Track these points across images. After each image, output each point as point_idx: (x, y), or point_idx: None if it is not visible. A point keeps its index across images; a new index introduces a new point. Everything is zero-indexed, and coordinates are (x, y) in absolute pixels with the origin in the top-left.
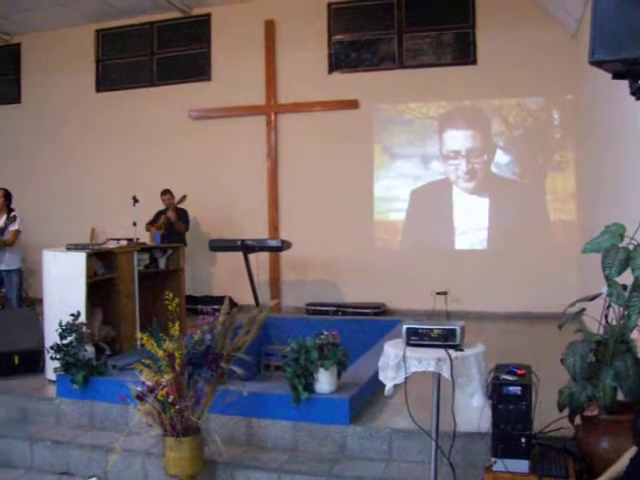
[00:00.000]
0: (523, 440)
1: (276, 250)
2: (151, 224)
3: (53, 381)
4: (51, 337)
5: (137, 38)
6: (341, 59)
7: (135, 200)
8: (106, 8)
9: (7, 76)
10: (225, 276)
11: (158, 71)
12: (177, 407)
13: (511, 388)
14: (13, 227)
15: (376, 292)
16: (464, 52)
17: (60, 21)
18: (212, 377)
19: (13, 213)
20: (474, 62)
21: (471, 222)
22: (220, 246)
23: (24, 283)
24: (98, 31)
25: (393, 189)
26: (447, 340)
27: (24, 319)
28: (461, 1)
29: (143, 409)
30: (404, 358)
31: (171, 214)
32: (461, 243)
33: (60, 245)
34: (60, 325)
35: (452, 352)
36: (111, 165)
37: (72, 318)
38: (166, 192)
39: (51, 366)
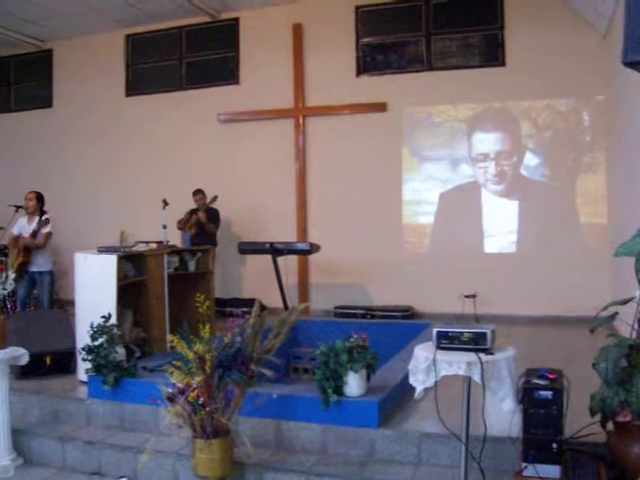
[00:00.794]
0: (554, 445)
1: (305, 253)
2: (183, 222)
3: (84, 382)
4: (82, 338)
5: (166, 43)
6: (369, 62)
7: (165, 203)
8: (136, 13)
9: (40, 81)
10: (254, 279)
11: (187, 75)
12: (207, 409)
13: (542, 392)
14: (45, 229)
15: (404, 295)
16: (493, 54)
17: (91, 27)
18: (242, 379)
19: (45, 216)
20: (503, 64)
21: (500, 225)
22: (249, 249)
23: (55, 285)
24: (128, 36)
25: (421, 192)
26: (478, 344)
27: (56, 320)
28: (489, 2)
29: (174, 411)
30: (434, 361)
31: (201, 215)
32: (490, 246)
33: (90, 247)
34: (91, 327)
35: (483, 356)
36: (140, 168)
37: (103, 320)
38: (198, 192)
39: (82, 367)
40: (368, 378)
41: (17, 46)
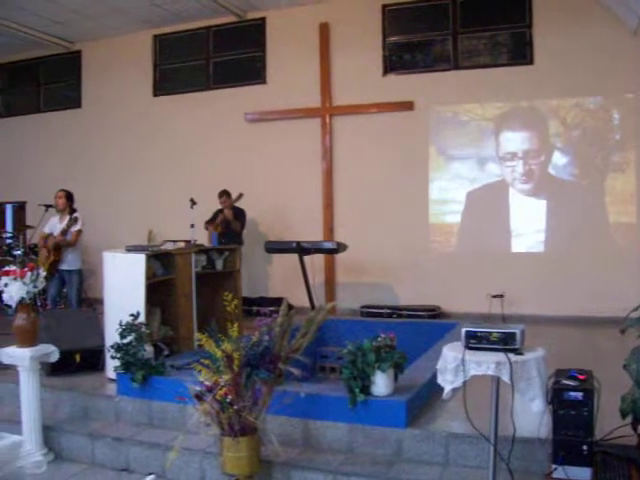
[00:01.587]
0: (585, 447)
1: (331, 252)
2: (209, 222)
3: (113, 379)
4: (111, 336)
5: (193, 43)
6: (396, 61)
7: (193, 202)
8: (163, 14)
9: (69, 82)
10: (280, 278)
11: (214, 75)
12: (235, 407)
13: (572, 393)
14: (75, 227)
15: (431, 295)
16: (520, 52)
17: (119, 28)
18: (270, 378)
19: (75, 214)
20: (531, 62)
21: (528, 224)
22: (276, 248)
23: (84, 283)
24: (156, 36)
25: (448, 191)
26: (507, 344)
27: (85, 319)
28: (517, 0)
29: (202, 409)
30: (463, 361)
31: (227, 212)
32: (518, 246)
33: (118, 246)
34: (120, 325)
35: (512, 356)
36: (168, 168)
37: (132, 318)
38: (223, 194)
39: (111, 365)
40: (396, 378)
41: (46, 47)
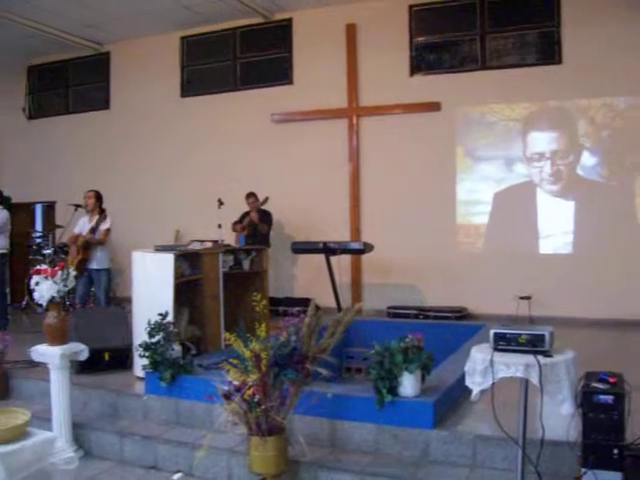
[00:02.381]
0: (615, 451)
1: (358, 253)
2: (237, 223)
3: (141, 378)
4: (139, 335)
5: (220, 44)
6: (423, 61)
7: (220, 203)
8: (191, 16)
9: (98, 83)
10: (306, 278)
11: (241, 76)
12: (263, 407)
13: (602, 397)
14: (104, 226)
15: (458, 296)
16: (549, 52)
17: (147, 30)
18: (297, 378)
19: (104, 213)
20: (559, 62)
21: (556, 225)
22: (302, 248)
23: (112, 282)
24: (183, 38)
25: (476, 192)
26: (535, 345)
27: (114, 317)
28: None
29: (230, 408)
30: (492, 363)
31: (254, 215)
32: (545, 247)
33: (145, 246)
34: (149, 324)
35: (541, 358)
36: (195, 168)
37: (160, 317)
38: (250, 195)
39: (139, 363)
40: (423, 379)
41: (75, 49)
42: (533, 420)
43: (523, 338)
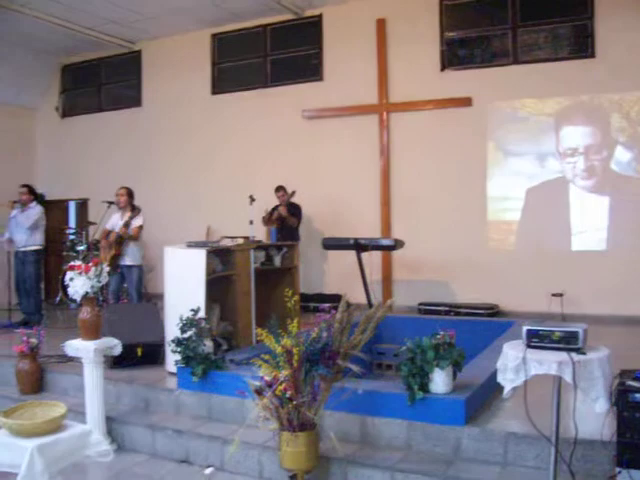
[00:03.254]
0: None
1: (389, 249)
2: (265, 218)
3: (173, 373)
4: (171, 331)
5: (251, 41)
6: (454, 56)
7: (252, 199)
8: (222, 13)
9: (130, 81)
10: (336, 274)
11: (272, 72)
12: (294, 402)
13: (638, 395)
14: (137, 222)
15: (489, 293)
16: (582, 45)
17: (178, 27)
18: (329, 374)
19: (137, 208)
20: (592, 55)
21: (589, 222)
22: (333, 244)
23: (143, 278)
24: (214, 35)
25: (507, 188)
26: (569, 343)
27: (147, 313)
28: None
29: (261, 403)
30: (524, 360)
31: (282, 209)
32: (578, 244)
33: (176, 242)
34: (181, 319)
35: (574, 355)
36: (225, 164)
37: (192, 313)
38: (280, 189)
39: (171, 359)
40: (454, 375)
41: (108, 48)
42: (566, 418)
43: (556, 335)
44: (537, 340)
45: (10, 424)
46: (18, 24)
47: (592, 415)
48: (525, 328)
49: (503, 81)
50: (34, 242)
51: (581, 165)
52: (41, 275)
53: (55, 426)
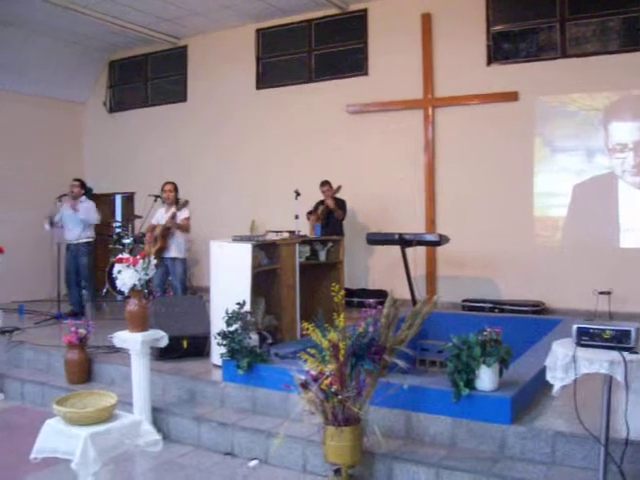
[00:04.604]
0: None
1: (434, 244)
2: (311, 213)
3: (218, 366)
4: (216, 324)
5: (296, 36)
6: (500, 50)
7: (297, 194)
8: (266, 8)
9: (175, 77)
10: (380, 269)
11: (316, 67)
12: (339, 397)
13: None
14: (184, 214)
15: (534, 290)
16: (632, 38)
17: (223, 23)
18: (375, 369)
19: (183, 201)
20: None
21: (638, 218)
22: (378, 240)
23: (188, 272)
24: (258, 30)
25: (554, 184)
26: (621, 342)
27: (193, 306)
28: None
29: (307, 397)
30: (574, 358)
31: (329, 202)
32: (627, 241)
33: (222, 236)
34: (227, 313)
35: (626, 355)
36: (270, 159)
37: (238, 307)
38: (325, 183)
39: (216, 351)
40: (501, 373)
41: (154, 44)
42: (616, 418)
43: (608, 334)
44: (587, 338)
45: (64, 412)
46: (71, 23)
47: None
48: (575, 326)
49: (550, 75)
50: (87, 235)
51: (631, 161)
52: (91, 266)
53: (107, 415)
